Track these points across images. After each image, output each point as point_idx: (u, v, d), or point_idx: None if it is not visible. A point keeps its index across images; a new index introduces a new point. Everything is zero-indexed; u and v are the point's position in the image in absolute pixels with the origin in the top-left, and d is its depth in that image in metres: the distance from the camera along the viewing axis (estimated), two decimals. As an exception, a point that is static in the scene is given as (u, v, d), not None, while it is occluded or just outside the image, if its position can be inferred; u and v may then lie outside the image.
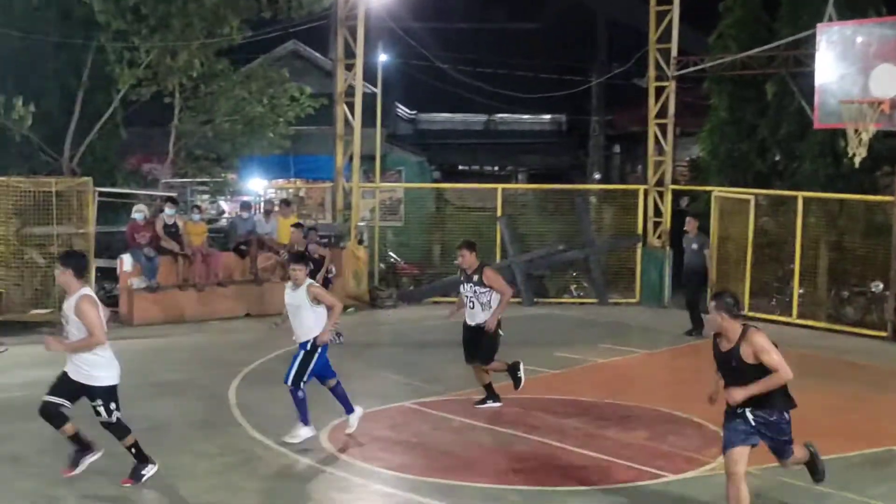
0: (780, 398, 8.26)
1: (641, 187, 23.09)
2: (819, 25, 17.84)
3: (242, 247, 20.34)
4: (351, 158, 22.26)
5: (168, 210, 19.14)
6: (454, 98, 32.92)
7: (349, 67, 21.95)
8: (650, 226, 22.42)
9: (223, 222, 23.60)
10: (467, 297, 12.37)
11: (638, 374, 15.25)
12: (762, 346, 8.06)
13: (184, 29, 20.71)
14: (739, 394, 8.08)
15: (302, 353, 10.85)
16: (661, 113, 22.37)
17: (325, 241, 21.21)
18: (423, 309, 21.27)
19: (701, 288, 18.41)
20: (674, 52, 21.99)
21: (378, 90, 23.93)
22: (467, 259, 12.36)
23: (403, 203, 26.94)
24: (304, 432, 10.75)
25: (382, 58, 25.08)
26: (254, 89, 23.03)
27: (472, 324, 12.39)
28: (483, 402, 12.58)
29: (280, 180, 29.82)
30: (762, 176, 22.53)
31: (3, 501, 8.96)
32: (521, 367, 12.67)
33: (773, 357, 8.05)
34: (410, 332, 18.88)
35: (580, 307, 22.00)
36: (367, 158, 24.11)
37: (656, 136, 22.62)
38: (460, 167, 38.20)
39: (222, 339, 17.51)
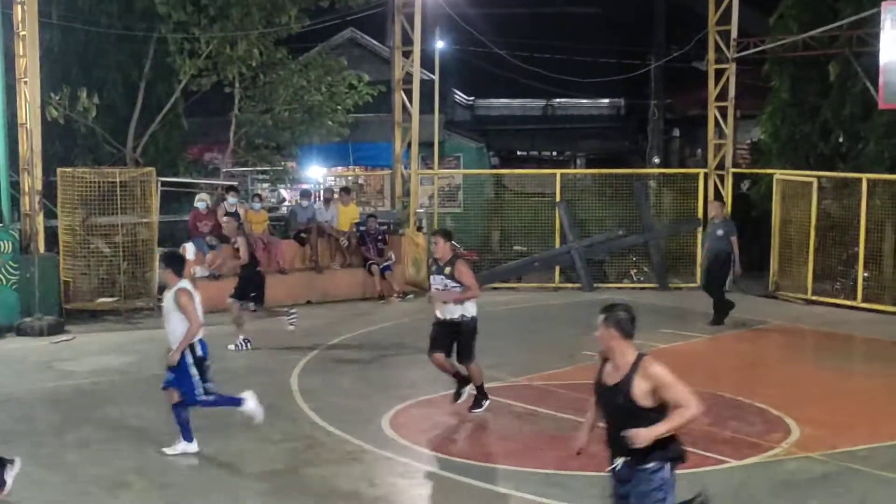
0: (667, 441, 6.27)
1: (701, 171, 22.90)
2: (884, 3, 17.53)
3: (303, 234, 20.51)
4: (409, 145, 22.36)
5: (230, 199, 19.34)
6: (512, 84, 32.82)
7: (406, 54, 22.04)
8: (711, 209, 22.21)
9: (283, 210, 23.76)
10: (438, 289, 11.38)
11: (699, 359, 15.14)
12: (663, 379, 6.20)
13: (242, 18, 20.86)
14: (645, 433, 6.11)
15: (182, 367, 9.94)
16: (722, 95, 22.17)
17: (385, 227, 21.36)
18: (482, 295, 21.25)
19: (724, 277, 17.99)
20: (734, 34, 21.75)
21: (436, 77, 23.92)
22: (441, 248, 11.39)
23: (462, 189, 26.97)
24: (254, 411, 10.29)
25: (440, 44, 25.04)
26: (312, 78, 23.11)
27: (443, 318, 11.38)
28: (459, 392, 11.67)
29: (339, 168, 29.96)
30: (825, 158, 22.19)
31: (74, 487, 9.13)
32: (487, 402, 11.65)
33: (678, 391, 6.20)
34: (470, 319, 18.89)
35: (640, 292, 21.87)
36: (426, 145, 24.15)
37: (716, 119, 22.44)
38: (518, 153, 38.06)
39: (284, 325, 17.66)
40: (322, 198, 22.16)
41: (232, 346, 15.35)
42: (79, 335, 16.57)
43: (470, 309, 11.38)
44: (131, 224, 18.55)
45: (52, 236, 18.02)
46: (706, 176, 22.46)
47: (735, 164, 23.35)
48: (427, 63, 23.67)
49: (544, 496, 8.85)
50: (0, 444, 9.85)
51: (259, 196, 21.54)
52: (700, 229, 22.19)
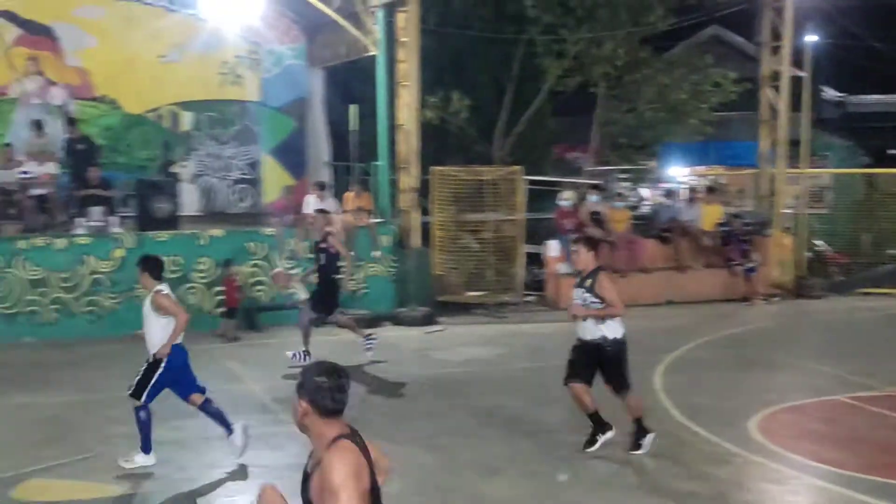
0: None
1: None
2: None
3: (665, 234, 20.43)
4: (775, 144, 21.74)
5: (593, 197, 19.60)
6: (888, 79, 31.15)
7: (775, 50, 21.41)
8: None
9: (644, 209, 23.78)
10: (577, 304, 9.88)
11: None
12: (331, 482, 4.50)
13: (610, 19, 21.09)
14: None
15: (144, 365, 9.44)
16: None
17: (750, 228, 20.90)
18: (853, 299, 20.38)
19: None
20: None
21: (807, 74, 23.08)
22: (582, 258, 9.90)
23: (829, 189, 25.91)
24: (140, 459, 9.39)
25: (811, 39, 24.12)
26: (676, 76, 23.01)
27: (585, 338, 9.92)
28: (593, 439, 10.10)
29: (699, 167, 29.61)
30: None
31: (448, 470, 9.60)
32: (650, 437, 10.06)
33: (342, 497, 4.48)
34: (840, 324, 18.16)
35: None
36: (791, 143, 23.40)
37: None
38: (891, 151, 36.03)
39: (645, 325, 17.59)
40: (687, 197, 21.99)
41: (290, 353, 13.96)
42: (449, 326, 17.36)
43: (613, 330, 9.86)
44: (498, 221, 19.23)
45: (423, 232, 18.98)
46: None
47: None
48: (794, 59, 22.89)
49: (926, 513, 8.39)
50: (392, 424, 10.52)
51: (621, 195, 21.70)
52: None
